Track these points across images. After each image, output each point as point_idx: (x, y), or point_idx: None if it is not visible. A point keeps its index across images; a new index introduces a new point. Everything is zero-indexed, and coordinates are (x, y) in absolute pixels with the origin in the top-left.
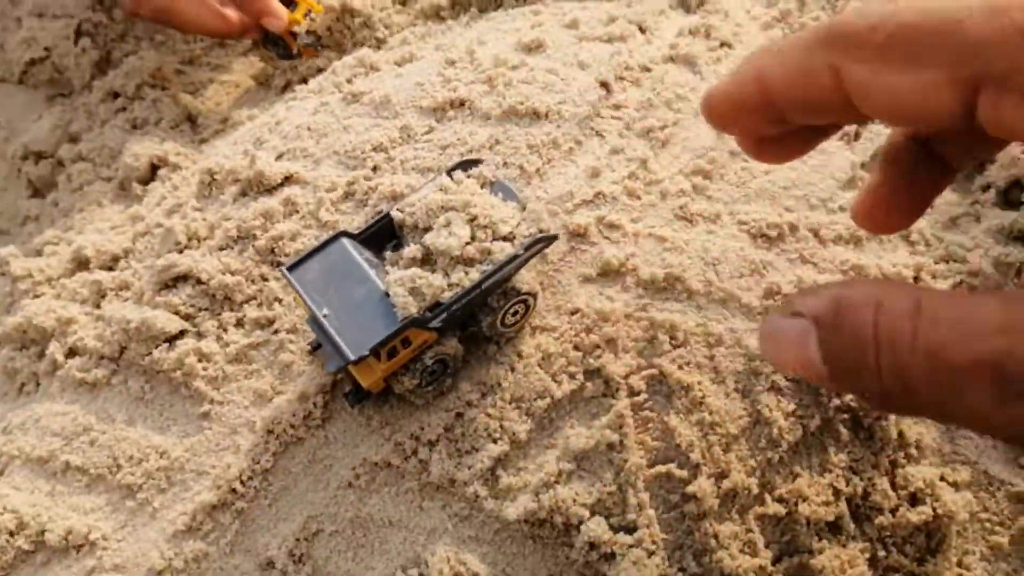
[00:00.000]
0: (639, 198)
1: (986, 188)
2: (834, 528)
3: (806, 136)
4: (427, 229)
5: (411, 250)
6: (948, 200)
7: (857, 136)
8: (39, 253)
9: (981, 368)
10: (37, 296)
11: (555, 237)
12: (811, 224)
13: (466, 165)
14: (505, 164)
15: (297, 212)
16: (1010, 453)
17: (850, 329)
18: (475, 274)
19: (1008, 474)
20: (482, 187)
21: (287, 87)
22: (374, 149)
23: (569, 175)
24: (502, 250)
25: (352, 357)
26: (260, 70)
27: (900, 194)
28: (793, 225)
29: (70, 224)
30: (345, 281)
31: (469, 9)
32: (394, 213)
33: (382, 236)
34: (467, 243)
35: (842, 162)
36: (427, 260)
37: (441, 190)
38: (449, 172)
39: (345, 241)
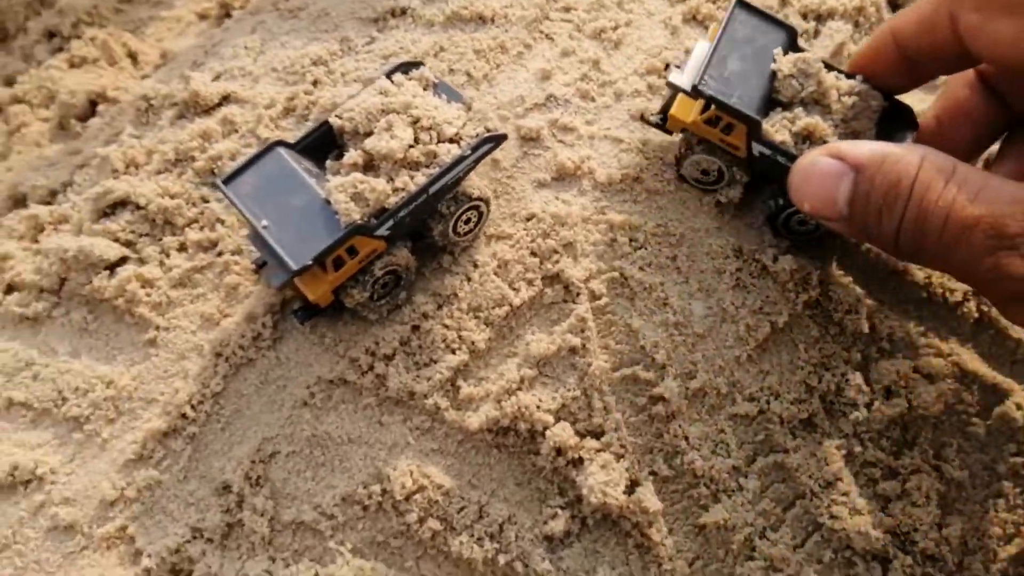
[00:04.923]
0: (593, 100)
1: None
2: (808, 425)
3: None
4: (368, 134)
5: (352, 156)
6: None
7: None
8: None
9: (985, 222)
10: None
11: (504, 136)
12: None
13: (405, 68)
14: (451, 71)
15: (236, 131)
16: (982, 346)
17: (891, 176)
18: (421, 178)
19: (982, 365)
20: (424, 89)
21: (227, 17)
22: (313, 63)
23: (519, 79)
24: (448, 152)
25: (295, 267)
26: (204, 7)
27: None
28: None
29: (10, 166)
30: (284, 191)
31: None
32: (332, 119)
33: (323, 146)
34: (410, 146)
35: None
36: (369, 166)
37: (381, 93)
38: (388, 75)
39: (281, 150)
